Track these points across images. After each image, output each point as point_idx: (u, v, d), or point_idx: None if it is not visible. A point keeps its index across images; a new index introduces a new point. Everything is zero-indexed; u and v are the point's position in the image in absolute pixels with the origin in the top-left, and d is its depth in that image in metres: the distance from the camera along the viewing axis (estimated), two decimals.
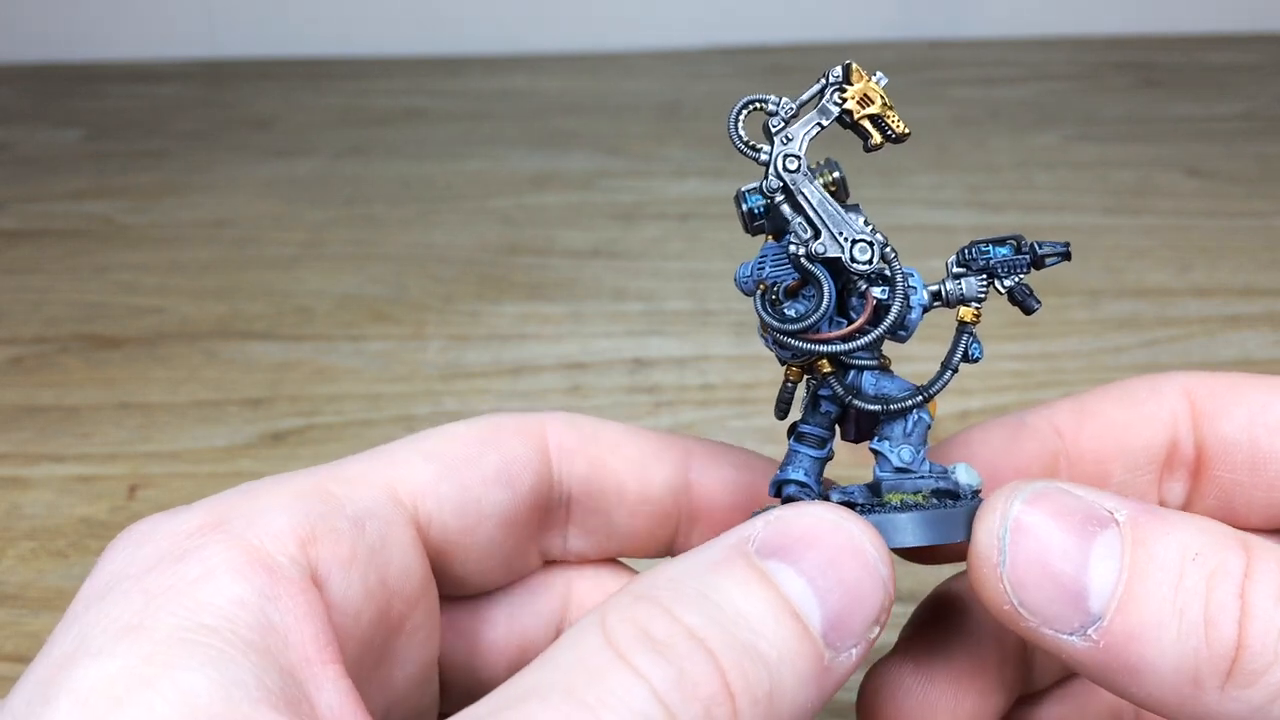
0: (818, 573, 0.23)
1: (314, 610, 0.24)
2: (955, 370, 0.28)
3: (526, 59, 1.15)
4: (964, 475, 0.28)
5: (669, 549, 0.32)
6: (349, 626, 0.25)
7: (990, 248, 0.28)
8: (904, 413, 0.28)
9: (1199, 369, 0.32)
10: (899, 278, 0.27)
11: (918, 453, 0.28)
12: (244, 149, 0.95)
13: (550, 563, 0.32)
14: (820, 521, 0.24)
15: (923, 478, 0.28)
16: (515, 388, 0.61)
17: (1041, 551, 0.24)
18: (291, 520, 0.25)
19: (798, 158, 0.27)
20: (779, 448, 0.30)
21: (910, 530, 0.26)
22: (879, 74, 0.28)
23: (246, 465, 0.56)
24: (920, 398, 0.28)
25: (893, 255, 0.27)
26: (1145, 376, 0.32)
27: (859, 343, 0.27)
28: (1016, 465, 0.31)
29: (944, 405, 0.60)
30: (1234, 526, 0.29)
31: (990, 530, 0.25)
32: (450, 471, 0.28)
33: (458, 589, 0.30)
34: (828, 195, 0.27)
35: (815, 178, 0.27)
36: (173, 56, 1.18)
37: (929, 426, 0.28)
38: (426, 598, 0.28)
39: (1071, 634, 0.24)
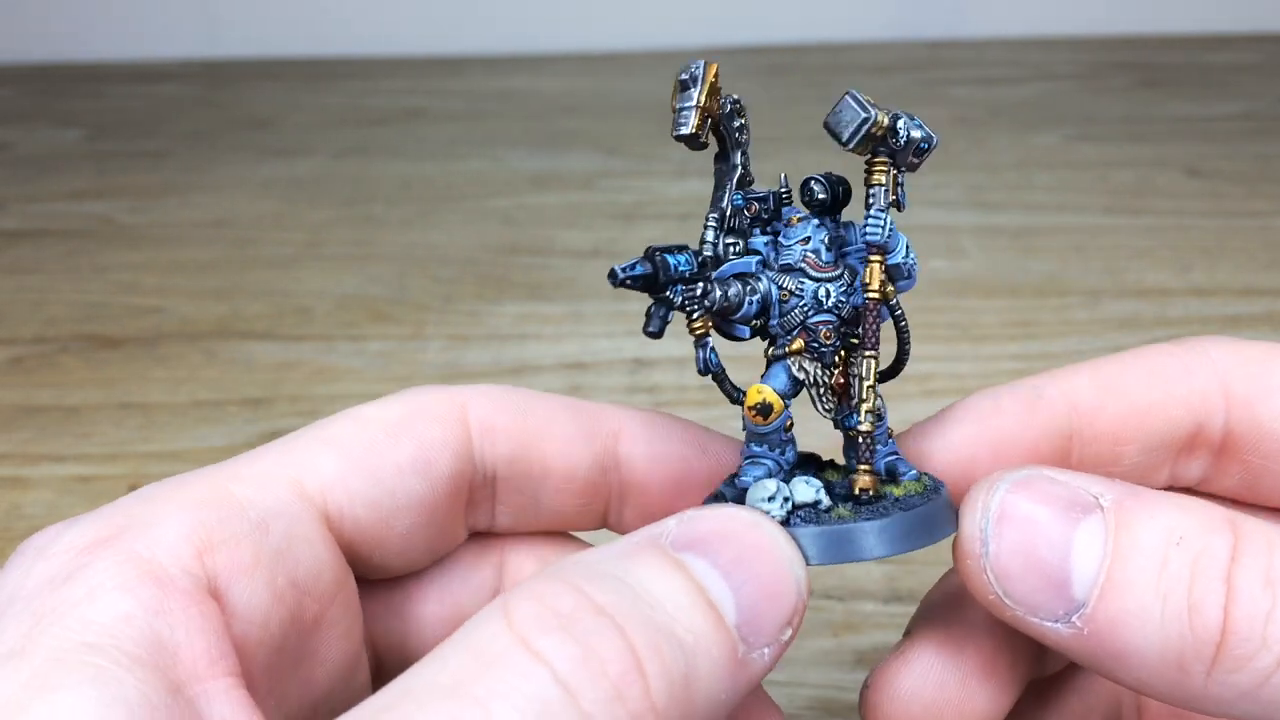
0: (732, 566, 0.23)
1: (208, 622, 0.23)
2: (709, 377, 0.29)
3: (526, 59, 1.15)
4: (801, 490, 0.27)
5: (602, 523, 0.31)
6: (257, 633, 0.24)
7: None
8: None
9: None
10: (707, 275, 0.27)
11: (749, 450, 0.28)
12: (244, 149, 0.95)
13: (481, 533, 0.31)
14: (734, 520, 0.24)
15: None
16: None
17: (1024, 540, 0.24)
18: (188, 529, 0.24)
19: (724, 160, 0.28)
20: None
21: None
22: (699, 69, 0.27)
23: None
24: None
25: (709, 254, 0.27)
26: (1173, 348, 0.30)
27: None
28: (1028, 442, 0.29)
29: (942, 405, 0.59)
30: (1255, 506, 0.28)
31: (973, 521, 0.24)
32: (360, 463, 0.27)
33: (380, 574, 0.29)
34: (728, 190, 0.28)
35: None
36: (172, 56, 1.18)
37: (747, 429, 0.29)
38: (343, 591, 0.27)
39: (1056, 621, 0.23)
